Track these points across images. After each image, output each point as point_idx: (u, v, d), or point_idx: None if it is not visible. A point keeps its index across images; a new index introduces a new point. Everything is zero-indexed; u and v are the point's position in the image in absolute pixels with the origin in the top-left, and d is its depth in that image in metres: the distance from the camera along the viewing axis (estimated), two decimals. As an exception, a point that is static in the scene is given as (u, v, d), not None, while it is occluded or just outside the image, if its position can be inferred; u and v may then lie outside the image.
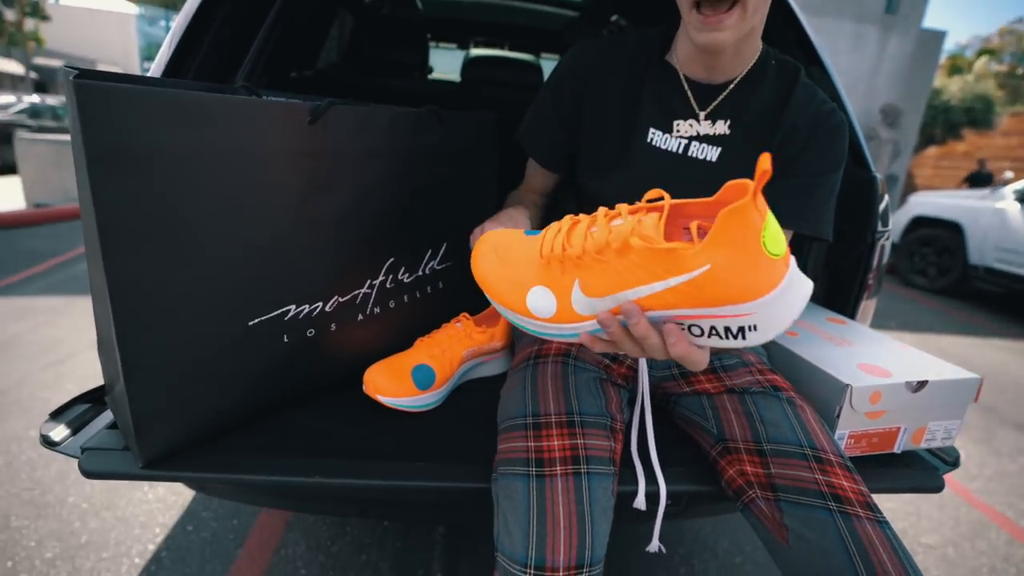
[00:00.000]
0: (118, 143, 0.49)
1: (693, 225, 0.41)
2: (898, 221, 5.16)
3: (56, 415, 0.69)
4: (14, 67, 16.99)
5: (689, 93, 0.75)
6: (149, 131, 0.50)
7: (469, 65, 1.82)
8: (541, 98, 0.83)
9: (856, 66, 8.62)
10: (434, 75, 2.29)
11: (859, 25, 8.48)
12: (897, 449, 0.76)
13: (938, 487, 0.75)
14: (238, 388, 0.65)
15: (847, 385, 0.70)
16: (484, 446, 0.67)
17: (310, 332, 0.70)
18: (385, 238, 0.76)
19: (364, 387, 0.74)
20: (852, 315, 1.04)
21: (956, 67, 17.57)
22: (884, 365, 0.77)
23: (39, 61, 17.62)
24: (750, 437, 0.65)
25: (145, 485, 1.41)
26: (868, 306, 1.08)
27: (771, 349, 0.85)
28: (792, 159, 0.73)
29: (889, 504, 1.57)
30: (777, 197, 0.72)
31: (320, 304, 0.69)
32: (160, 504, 1.35)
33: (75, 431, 0.67)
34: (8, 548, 1.19)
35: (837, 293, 1.08)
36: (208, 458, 0.63)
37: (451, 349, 0.79)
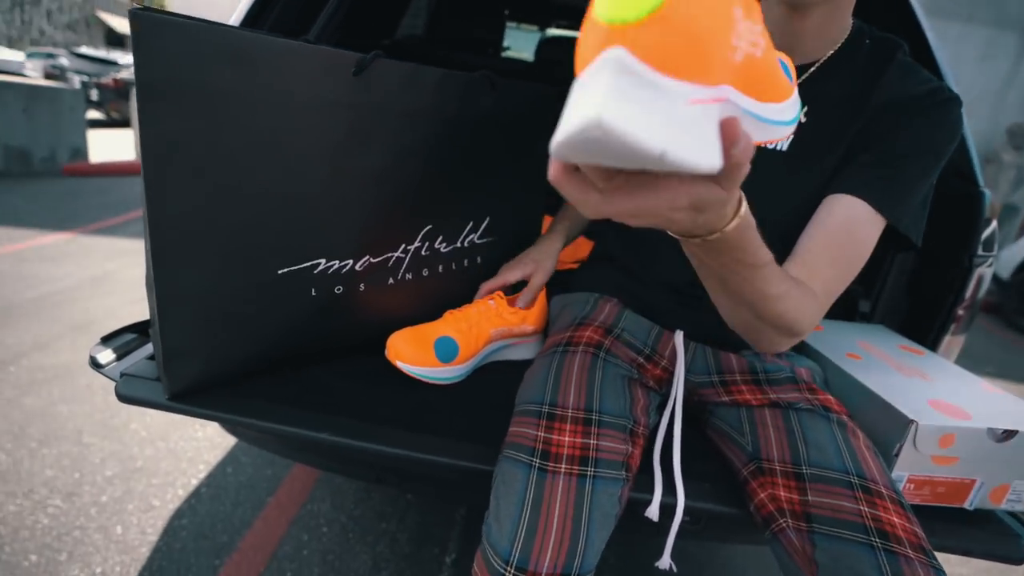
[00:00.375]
0: (167, 75, 0.50)
1: None
2: (1012, 256, 4.60)
3: (106, 340, 0.74)
4: None
5: None
6: (196, 66, 0.51)
7: (543, 45, 1.78)
8: None
9: (984, 79, 7.69)
10: (509, 54, 2.27)
11: (995, 32, 7.54)
12: (968, 505, 0.66)
13: (1017, 559, 0.64)
14: (264, 335, 0.66)
15: (911, 421, 0.61)
16: (499, 429, 0.65)
17: (338, 289, 0.70)
18: (424, 203, 0.75)
19: (386, 352, 0.73)
20: (933, 347, 0.92)
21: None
22: (963, 405, 0.67)
23: (162, 27, 19.31)
24: (788, 458, 0.58)
25: (196, 423, 1.51)
26: (954, 342, 0.96)
27: (827, 372, 0.77)
28: (879, 135, 0.62)
29: (953, 571, 1.41)
30: (853, 171, 0.61)
31: (350, 262, 0.69)
32: (207, 443, 1.44)
33: (119, 357, 0.71)
34: (78, 462, 1.31)
35: (917, 321, 0.96)
36: (228, 399, 0.65)
37: (479, 325, 0.77)
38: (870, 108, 0.62)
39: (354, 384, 0.72)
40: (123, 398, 0.64)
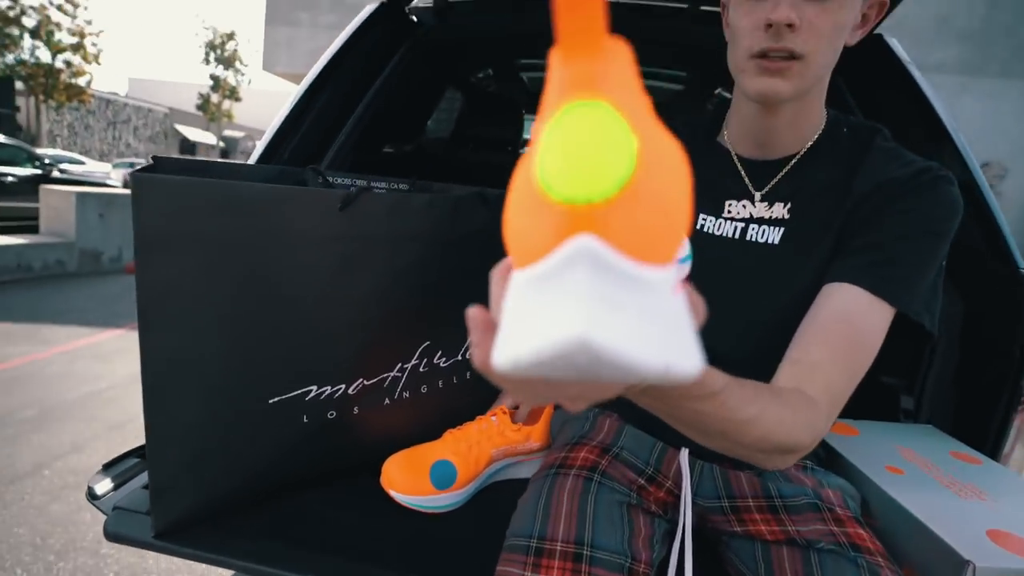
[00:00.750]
0: (162, 228, 0.54)
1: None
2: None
3: (108, 467, 0.74)
4: (208, 138, 21.05)
5: (742, 172, 0.66)
6: (189, 217, 0.54)
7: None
8: None
9: (1027, 133, 7.52)
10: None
11: (1035, 84, 7.46)
12: (1057, 662, 0.55)
13: None
14: (255, 466, 0.65)
15: (967, 562, 0.53)
16: (493, 567, 0.59)
17: (331, 414, 0.69)
18: (420, 321, 0.75)
19: (381, 479, 0.70)
20: (992, 452, 0.81)
21: None
22: (1031, 536, 0.57)
23: (227, 133, 21.69)
24: None
25: (214, 528, 1.48)
26: None
27: (864, 492, 0.68)
28: (867, 221, 0.58)
29: None
30: (845, 259, 0.57)
31: (342, 387, 0.68)
32: (223, 550, 1.40)
33: (117, 487, 0.71)
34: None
35: (969, 419, 0.87)
36: (215, 537, 0.63)
37: (479, 445, 0.73)
38: (855, 195, 0.59)
39: (345, 513, 0.69)
40: (111, 536, 0.63)
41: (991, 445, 0.82)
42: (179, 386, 0.58)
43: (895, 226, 0.56)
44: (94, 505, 0.68)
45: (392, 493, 0.68)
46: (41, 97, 14.88)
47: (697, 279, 0.69)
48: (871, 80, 1.13)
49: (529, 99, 2.48)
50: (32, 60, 14.47)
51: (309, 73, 1.16)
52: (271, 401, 0.63)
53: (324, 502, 0.71)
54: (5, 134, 7.92)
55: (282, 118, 1.10)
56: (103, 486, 0.70)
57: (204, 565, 1.34)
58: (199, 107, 18.48)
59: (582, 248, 0.17)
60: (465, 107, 2.04)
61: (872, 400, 0.97)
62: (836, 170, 0.62)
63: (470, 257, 0.79)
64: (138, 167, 0.54)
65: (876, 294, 0.53)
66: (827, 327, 0.53)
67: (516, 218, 0.21)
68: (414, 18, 1.35)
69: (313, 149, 1.14)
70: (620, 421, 0.72)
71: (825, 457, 0.75)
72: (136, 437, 2.00)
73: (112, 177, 9.38)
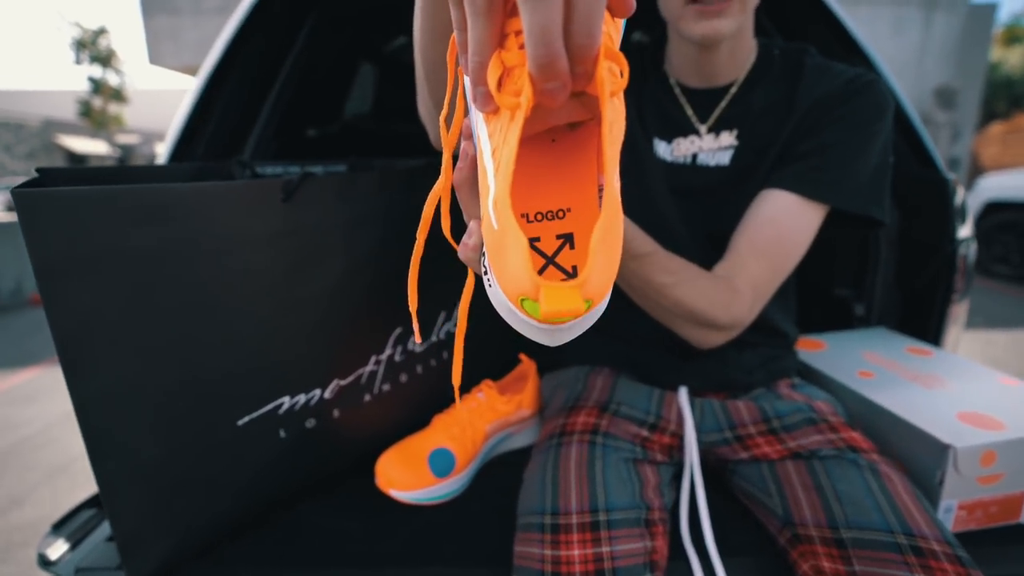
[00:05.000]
0: (68, 250, 0.45)
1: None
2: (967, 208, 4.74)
3: (58, 527, 0.66)
4: (99, 147, 18.82)
5: (687, 106, 0.68)
6: (99, 232, 0.46)
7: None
8: None
9: (900, 51, 8.21)
10: None
11: (899, 8, 8.11)
12: (1024, 518, 0.62)
13: None
14: (232, 493, 0.59)
15: (948, 446, 0.57)
16: (510, 542, 0.58)
17: (310, 423, 0.63)
18: (388, 307, 0.70)
19: (376, 480, 0.66)
20: (936, 341, 0.88)
21: (1014, 37, 16.35)
22: (991, 412, 0.63)
23: (119, 139, 19.45)
24: (824, 521, 0.52)
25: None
26: (959, 310, 0.93)
27: (844, 398, 0.72)
28: (807, 135, 0.63)
29: None
30: (783, 168, 0.62)
31: (318, 391, 0.63)
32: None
33: (74, 545, 0.63)
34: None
35: (915, 317, 0.93)
36: (207, 573, 0.57)
37: (472, 426, 0.71)
38: (797, 112, 0.64)
39: (345, 521, 0.65)
40: None
41: (934, 335, 0.89)
42: (125, 426, 0.51)
43: (829, 133, 0.61)
44: (50, 572, 0.60)
45: (392, 493, 0.65)
46: None
47: (657, 200, 0.73)
48: (794, 14, 1.15)
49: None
50: None
51: (209, 57, 1.03)
52: (240, 423, 0.57)
53: (320, 513, 0.66)
54: None
55: (187, 111, 0.98)
56: (56, 549, 0.62)
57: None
58: (82, 114, 16.41)
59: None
60: (384, 80, 1.92)
61: (829, 312, 1.02)
62: (775, 91, 0.66)
63: (432, 231, 0.74)
64: (18, 184, 0.45)
65: (806, 197, 0.59)
66: (755, 229, 0.60)
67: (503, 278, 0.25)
68: None
69: (229, 140, 1.03)
70: (612, 375, 0.71)
71: (804, 374, 0.78)
72: (87, 478, 1.82)
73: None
